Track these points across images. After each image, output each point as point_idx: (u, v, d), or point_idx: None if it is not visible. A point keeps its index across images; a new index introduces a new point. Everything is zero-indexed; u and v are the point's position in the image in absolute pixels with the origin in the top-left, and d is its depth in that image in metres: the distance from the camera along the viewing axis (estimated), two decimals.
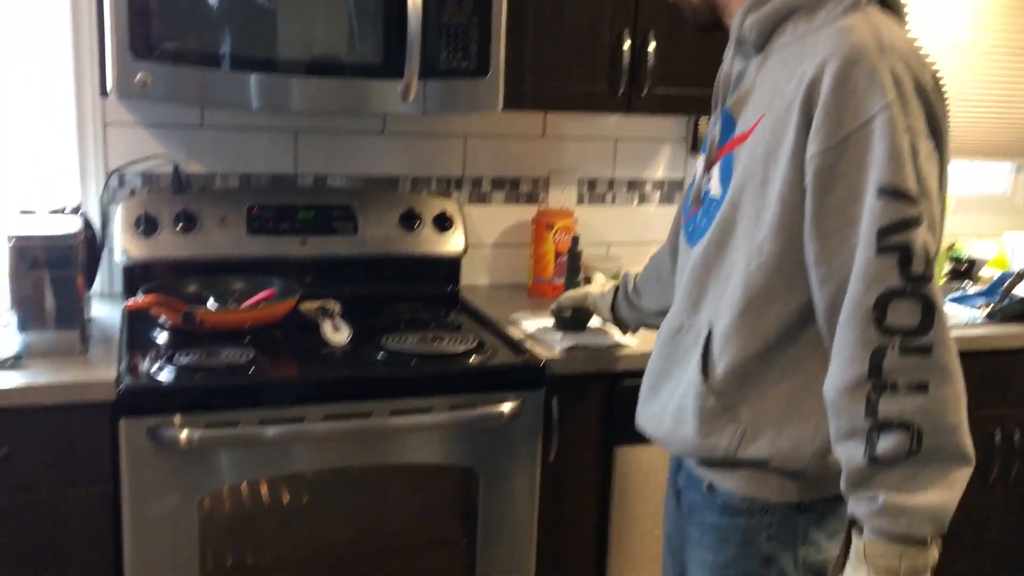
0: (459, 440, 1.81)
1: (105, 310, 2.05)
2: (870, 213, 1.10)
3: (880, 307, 1.09)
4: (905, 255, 1.09)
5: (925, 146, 1.13)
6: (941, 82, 1.18)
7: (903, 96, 1.11)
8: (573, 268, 2.00)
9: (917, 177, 1.11)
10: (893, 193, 1.09)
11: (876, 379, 1.09)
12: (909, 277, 1.08)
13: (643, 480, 1.98)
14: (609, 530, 2.00)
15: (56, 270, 1.70)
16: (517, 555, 1.90)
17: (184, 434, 1.60)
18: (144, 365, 1.71)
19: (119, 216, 2.07)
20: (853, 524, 1.13)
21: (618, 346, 1.94)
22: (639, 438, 1.57)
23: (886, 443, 1.08)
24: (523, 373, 1.85)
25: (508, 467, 1.85)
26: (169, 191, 2.16)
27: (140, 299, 1.75)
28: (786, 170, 1.16)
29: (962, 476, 1.09)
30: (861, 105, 1.10)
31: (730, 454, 1.23)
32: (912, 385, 1.08)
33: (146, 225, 2.06)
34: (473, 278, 2.45)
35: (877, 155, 1.09)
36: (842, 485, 1.13)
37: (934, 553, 1.10)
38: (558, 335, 1.97)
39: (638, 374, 1.48)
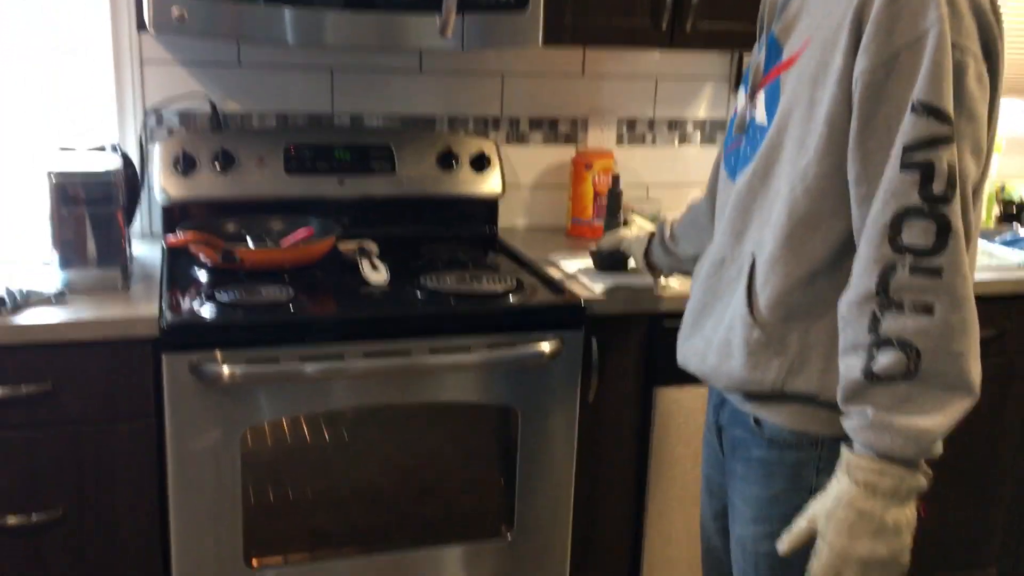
0: (498, 379, 1.81)
1: (145, 249, 2.06)
2: (902, 128, 1.07)
3: (896, 224, 1.07)
4: (927, 173, 1.06)
5: (976, 67, 1.09)
6: (998, 4, 1.14)
7: (957, 13, 1.08)
8: (613, 208, 1.96)
9: (961, 97, 1.08)
10: (925, 109, 1.06)
11: (883, 296, 1.07)
12: (928, 196, 1.06)
13: (683, 421, 1.97)
14: (648, 471, 1.99)
15: (96, 207, 1.70)
16: (554, 495, 1.90)
17: (226, 370, 1.61)
18: (185, 302, 1.72)
19: (157, 155, 2.06)
20: (845, 439, 1.12)
21: (659, 286, 1.92)
22: (680, 379, 1.58)
23: (884, 360, 1.07)
24: (563, 312, 1.83)
25: (547, 407, 1.84)
26: (206, 130, 2.15)
27: (180, 236, 1.74)
28: (834, 91, 1.13)
29: (959, 405, 1.07)
30: (913, 21, 1.07)
31: (777, 387, 1.21)
32: (917, 306, 1.06)
33: (184, 164, 2.06)
34: (511, 220, 2.43)
35: (921, 71, 1.06)
36: (839, 397, 1.13)
37: (920, 480, 1.09)
38: (598, 275, 1.95)
39: (679, 314, 1.47)
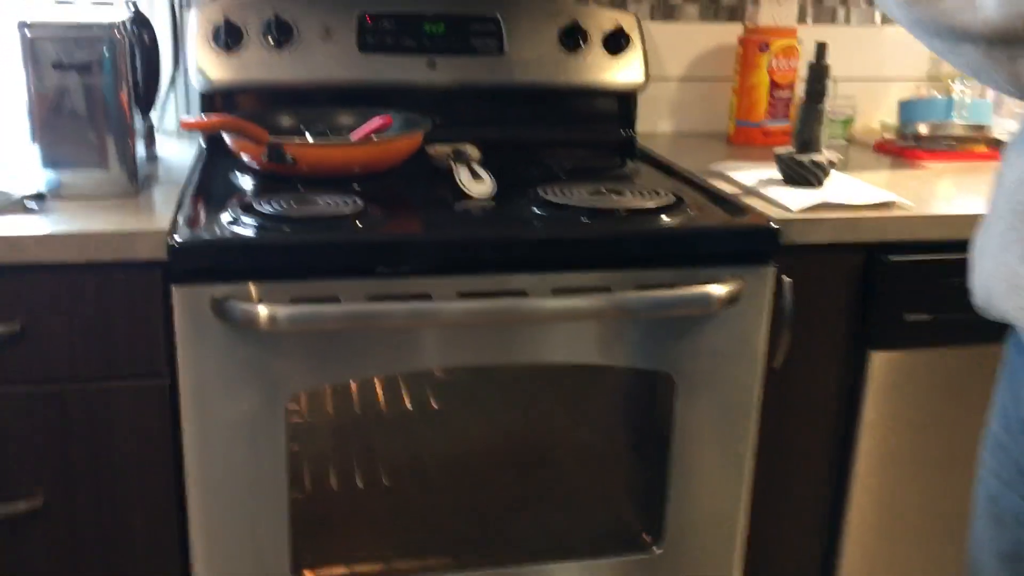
0: (649, 333, 1.26)
1: (175, 151, 1.57)
2: None
3: None
4: None
5: None
6: None
7: None
8: (816, 91, 1.37)
9: None
10: None
11: None
12: None
13: (908, 397, 1.39)
14: (852, 467, 1.42)
15: (89, 77, 1.21)
16: (722, 497, 1.35)
17: (263, 311, 1.10)
18: (210, 214, 1.22)
19: (193, 24, 1.56)
20: None
21: (883, 205, 1.34)
22: (906, 338, 1.26)
23: None
24: (745, 240, 1.27)
25: (716, 373, 1.29)
26: None
27: (205, 118, 1.23)
28: None
29: None
30: None
31: None
32: None
33: (228, 37, 1.55)
34: (651, 123, 1.86)
35: None
36: None
37: None
38: (790, 190, 1.38)
39: (910, 246, 1.19)
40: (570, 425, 1.43)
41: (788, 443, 1.41)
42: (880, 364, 1.37)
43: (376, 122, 1.42)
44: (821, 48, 1.37)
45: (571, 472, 1.44)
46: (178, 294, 1.12)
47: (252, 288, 1.13)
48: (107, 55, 1.21)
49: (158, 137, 1.54)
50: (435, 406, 1.38)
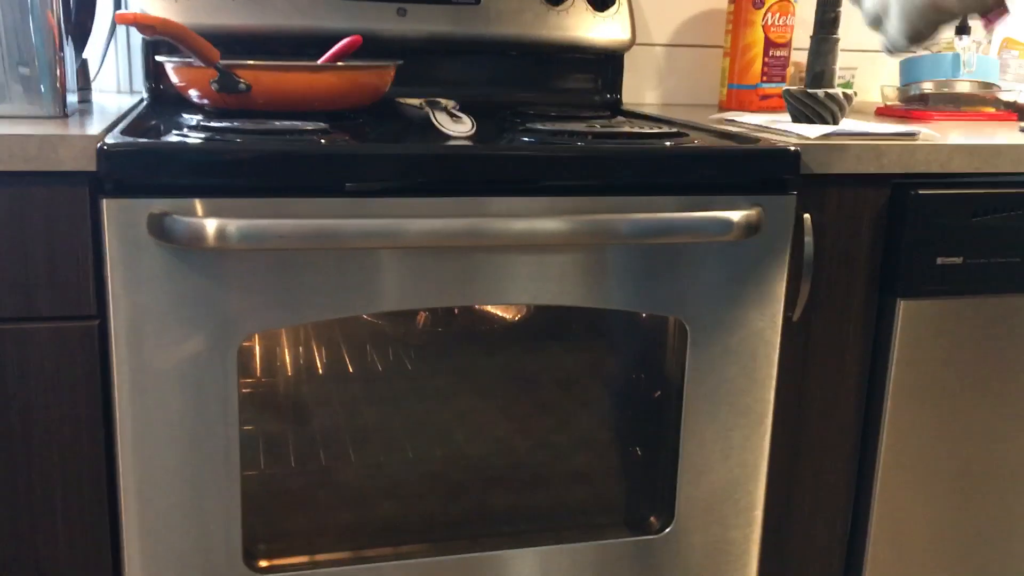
0: (652, 272, 1.10)
1: (116, 101, 1.40)
2: None
3: None
4: None
5: None
6: None
7: None
8: (829, 20, 1.23)
9: None
10: None
11: None
12: None
13: (940, 350, 1.25)
14: (881, 426, 1.26)
15: None
16: (739, 457, 1.19)
17: (211, 226, 0.93)
18: (150, 131, 1.05)
19: None
20: None
21: (908, 134, 1.21)
22: (940, 286, 1.12)
23: None
24: (762, 164, 1.13)
25: (733, 320, 1.14)
26: None
27: (144, 13, 1.06)
28: None
29: None
30: None
31: None
32: None
33: None
34: (636, 93, 1.73)
35: None
36: None
37: None
38: (804, 127, 1.25)
39: (941, 179, 1.09)
40: (565, 385, 1.26)
41: (808, 402, 1.25)
42: (909, 314, 1.22)
43: (344, 43, 1.26)
44: None
45: (564, 442, 1.27)
46: (109, 209, 0.94)
47: (198, 204, 0.96)
48: None
49: (96, 93, 1.37)
50: (409, 367, 1.20)
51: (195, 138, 0.99)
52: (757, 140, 1.17)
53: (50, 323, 0.99)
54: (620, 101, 1.62)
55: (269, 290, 0.99)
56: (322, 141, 1.02)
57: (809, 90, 1.27)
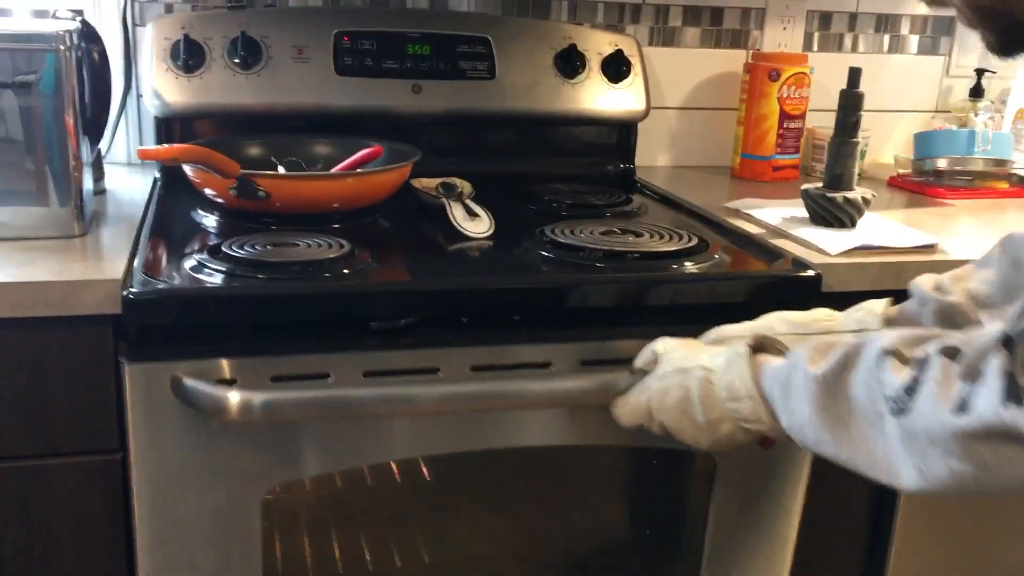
0: None
1: (127, 183, 1.38)
2: None
3: None
4: None
5: None
6: None
7: None
8: (849, 124, 1.23)
9: None
10: None
11: None
12: None
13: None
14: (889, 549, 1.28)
15: (27, 96, 1.03)
16: None
17: (235, 399, 0.91)
18: (167, 259, 1.04)
19: (149, 40, 1.38)
20: None
21: (926, 248, 1.21)
22: None
23: None
24: (786, 287, 1.13)
25: (761, 450, 1.14)
26: (222, 7, 1.46)
27: (165, 147, 1.05)
28: None
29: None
30: None
31: None
32: None
33: (188, 56, 1.37)
34: (649, 156, 1.72)
35: None
36: None
37: None
38: (821, 231, 1.25)
39: None
40: (603, 516, 1.26)
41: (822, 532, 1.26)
42: None
43: (363, 153, 1.25)
44: (855, 74, 1.24)
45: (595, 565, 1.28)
46: (132, 374, 0.94)
47: (224, 365, 0.95)
48: (50, 71, 1.03)
49: (107, 168, 1.36)
50: (429, 478, 1.20)
51: (217, 274, 0.99)
52: (780, 256, 1.17)
53: (71, 458, 0.99)
54: (633, 171, 1.61)
55: (292, 446, 0.99)
56: (345, 271, 1.02)
57: (828, 193, 1.26)
